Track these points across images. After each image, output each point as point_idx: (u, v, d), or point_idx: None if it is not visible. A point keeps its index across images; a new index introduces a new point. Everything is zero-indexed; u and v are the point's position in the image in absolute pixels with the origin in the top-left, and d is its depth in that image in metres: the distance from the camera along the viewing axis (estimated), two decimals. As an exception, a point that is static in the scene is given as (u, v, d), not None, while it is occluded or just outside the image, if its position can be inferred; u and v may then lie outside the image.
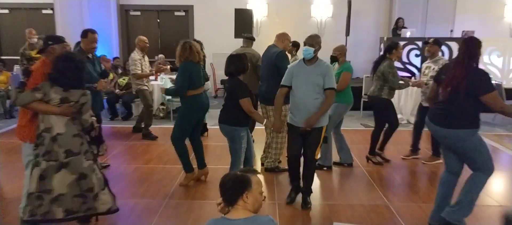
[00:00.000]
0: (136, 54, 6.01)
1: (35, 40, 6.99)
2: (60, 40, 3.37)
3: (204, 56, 5.09)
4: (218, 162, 4.96)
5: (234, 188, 1.86)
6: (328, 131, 4.54)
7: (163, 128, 6.84)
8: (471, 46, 3.07)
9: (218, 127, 3.82)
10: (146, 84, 6.25)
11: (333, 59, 4.72)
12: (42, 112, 2.93)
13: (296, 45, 7.01)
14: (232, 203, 1.86)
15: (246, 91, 3.57)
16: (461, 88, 2.97)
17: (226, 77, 3.86)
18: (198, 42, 4.94)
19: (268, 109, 4.60)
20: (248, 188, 1.85)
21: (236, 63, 3.63)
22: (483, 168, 3.11)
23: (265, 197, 1.94)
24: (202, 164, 4.38)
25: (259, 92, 4.73)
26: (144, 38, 6.11)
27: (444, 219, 3.22)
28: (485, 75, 3.01)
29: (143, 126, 6.41)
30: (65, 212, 2.91)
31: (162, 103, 7.74)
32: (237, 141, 3.66)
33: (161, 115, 7.69)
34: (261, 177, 1.96)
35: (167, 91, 4.36)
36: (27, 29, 7.31)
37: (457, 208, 3.18)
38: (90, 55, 4.38)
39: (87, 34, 4.34)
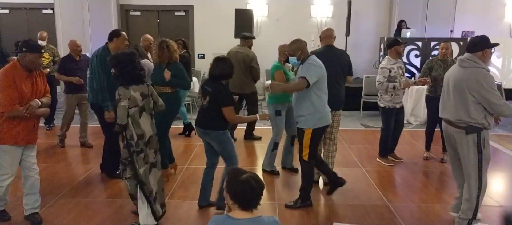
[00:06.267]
0: None
1: (44, 43, 6.86)
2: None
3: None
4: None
5: (261, 193, 1.83)
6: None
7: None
8: None
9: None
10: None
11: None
12: None
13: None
14: (255, 206, 1.82)
15: (231, 99, 3.40)
16: None
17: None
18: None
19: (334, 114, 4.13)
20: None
21: (222, 67, 3.44)
22: None
23: None
24: (171, 159, 4.62)
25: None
26: (150, 37, 6.06)
27: None
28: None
29: None
30: None
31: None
32: (227, 142, 3.51)
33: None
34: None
35: (171, 81, 4.17)
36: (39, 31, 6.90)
37: None
38: None
39: (119, 33, 4.31)
